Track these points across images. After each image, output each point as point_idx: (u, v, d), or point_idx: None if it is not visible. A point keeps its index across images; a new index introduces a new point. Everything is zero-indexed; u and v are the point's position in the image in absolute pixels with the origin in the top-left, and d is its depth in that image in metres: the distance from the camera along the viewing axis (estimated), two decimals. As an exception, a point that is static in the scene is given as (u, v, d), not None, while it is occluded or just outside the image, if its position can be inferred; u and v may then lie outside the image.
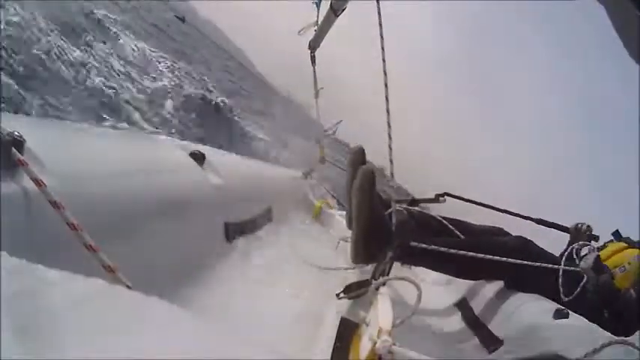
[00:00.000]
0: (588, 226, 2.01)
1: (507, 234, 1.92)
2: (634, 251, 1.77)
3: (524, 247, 1.72)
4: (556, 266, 1.65)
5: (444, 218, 1.87)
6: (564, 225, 2.16)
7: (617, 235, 1.96)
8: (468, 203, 2.41)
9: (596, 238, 1.98)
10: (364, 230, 1.52)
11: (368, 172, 1.38)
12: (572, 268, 1.70)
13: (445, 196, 2.36)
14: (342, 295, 1.59)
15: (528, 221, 2.27)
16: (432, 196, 2.36)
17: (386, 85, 1.71)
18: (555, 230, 2.20)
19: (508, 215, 2.29)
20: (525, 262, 1.56)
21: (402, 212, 1.65)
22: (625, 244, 1.84)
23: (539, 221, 2.23)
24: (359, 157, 1.53)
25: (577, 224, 2.05)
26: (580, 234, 2.00)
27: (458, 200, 2.40)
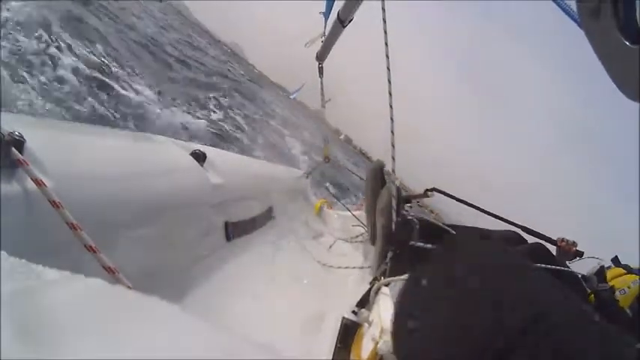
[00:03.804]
0: (574, 242, 2.04)
1: (523, 241, 1.91)
2: (634, 277, 1.84)
3: (538, 251, 1.72)
4: (561, 267, 1.65)
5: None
6: (551, 237, 2.10)
7: (616, 261, 2.02)
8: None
9: (580, 254, 2.00)
10: (386, 246, 1.54)
11: (390, 192, 1.40)
12: (577, 272, 1.71)
13: (433, 192, 2.39)
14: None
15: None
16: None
17: (389, 82, 1.69)
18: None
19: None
20: (535, 265, 1.56)
21: (413, 221, 1.66)
22: (624, 271, 1.91)
23: (525, 229, 2.14)
24: (378, 172, 1.55)
25: (562, 239, 2.05)
26: (568, 248, 2.01)
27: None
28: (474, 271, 0.34)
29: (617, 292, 1.76)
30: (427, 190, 2.39)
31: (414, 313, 0.35)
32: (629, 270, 1.92)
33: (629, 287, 1.78)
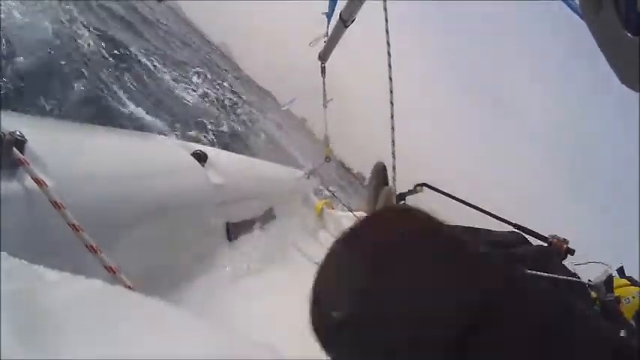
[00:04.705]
0: (565, 239, 1.98)
1: (526, 242, 1.88)
2: (638, 289, 1.84)
3: (542, 254, 1.71)
4: (570, 278, 1.64)
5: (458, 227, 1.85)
6: (542, 234, 2.04)
7: (621, 271, 2.00)
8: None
9: (572, 252, 1.96)
10: None
11: (390, 193, 1.40)
12: (585, 281, 1.71)
13: (423, 187, 2.38)
14: None
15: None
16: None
17: (391, 91, 1.69)
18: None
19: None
20: (540, 274, 1.54)
21: None
22: (628, 282, 1.90)
23: (517, 226, 2.12)
24: (380, 173, 1.55)
25: (554, 236, 1.99)
26: (559, 245, 1.99)
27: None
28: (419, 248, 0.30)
29: (622, 301, 1.76)
30: (417, 185, 2.38)
31: (347, 301, 0.31)
32: (633, 282, 1.92)
33: (633, 297, 1.79)
